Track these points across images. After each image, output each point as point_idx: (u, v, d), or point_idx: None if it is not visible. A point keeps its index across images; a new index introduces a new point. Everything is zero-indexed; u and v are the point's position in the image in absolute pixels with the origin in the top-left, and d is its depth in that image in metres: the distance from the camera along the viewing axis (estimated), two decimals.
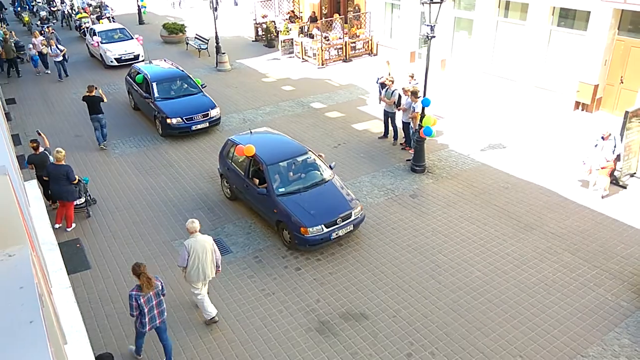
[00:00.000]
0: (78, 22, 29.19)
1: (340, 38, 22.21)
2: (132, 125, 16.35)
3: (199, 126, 14.99)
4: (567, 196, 11.41)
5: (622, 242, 9.88)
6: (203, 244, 7.88)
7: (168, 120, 14.61)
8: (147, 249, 10.16)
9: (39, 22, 30.14)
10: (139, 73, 16.56)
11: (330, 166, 11.02)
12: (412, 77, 14.46)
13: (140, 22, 31.08)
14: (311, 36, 22.92)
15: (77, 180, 10.72)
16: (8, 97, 18.14)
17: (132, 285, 7.31)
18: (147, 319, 7.07)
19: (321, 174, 10.72)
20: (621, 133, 11.37)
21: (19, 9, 34.26)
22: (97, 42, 22.47)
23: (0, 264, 1.76)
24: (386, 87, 14.03)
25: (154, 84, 15.65)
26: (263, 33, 25.73)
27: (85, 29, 26.60)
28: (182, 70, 16.81)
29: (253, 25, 26.35)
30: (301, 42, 22.62)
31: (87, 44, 24.46)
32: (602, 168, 10.96)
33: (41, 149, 11.10)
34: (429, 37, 11.54)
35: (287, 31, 23.79)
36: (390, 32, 22.30)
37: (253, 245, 10.20)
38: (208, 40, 23.65)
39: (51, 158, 10.90)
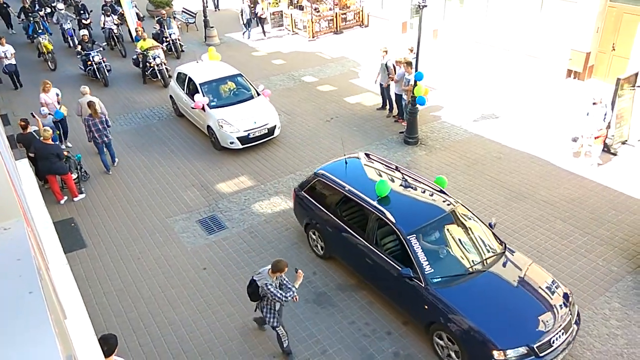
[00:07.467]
0: (142, 55, 17.13)
1: (330, 9, 21.87)
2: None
3: None
4: (559, 165, 11.49)
5: (613, 208, 10.00)
6: (91, 100, 11.85)
7: (497, 355, 6.24)
8: (142, 226, 10.17)
9: (79, 48, 17.45)
10: (347, 197, 8.19)
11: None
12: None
13: None
14: (301, 8, 22.55)
15: (66, 157, 10.77)
16: None
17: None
18: (95, 135, 11.44)
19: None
20: (613, 100, 11.39)
21: (31, 32, 20.29)
22: (203, 105, 12.65)
23: None
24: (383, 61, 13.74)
25: (419, 249, 7.12)
26: (252, 5, 25.24)
27: (156, 67, 16.72)
28: (442, 194, 8.17)
29: None
30: (291, 14, 22.27)
31: (170, 96, 14.89)
32: (595, 138, 10.99)
33: (31, 128, 10.98)
34: (421, 7, 11.39)
35: (277, 3, 23.38)
36: (382, 3, 21.97)
37: (248, 220, 10.23)
38: (196, 14, 23.21)
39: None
